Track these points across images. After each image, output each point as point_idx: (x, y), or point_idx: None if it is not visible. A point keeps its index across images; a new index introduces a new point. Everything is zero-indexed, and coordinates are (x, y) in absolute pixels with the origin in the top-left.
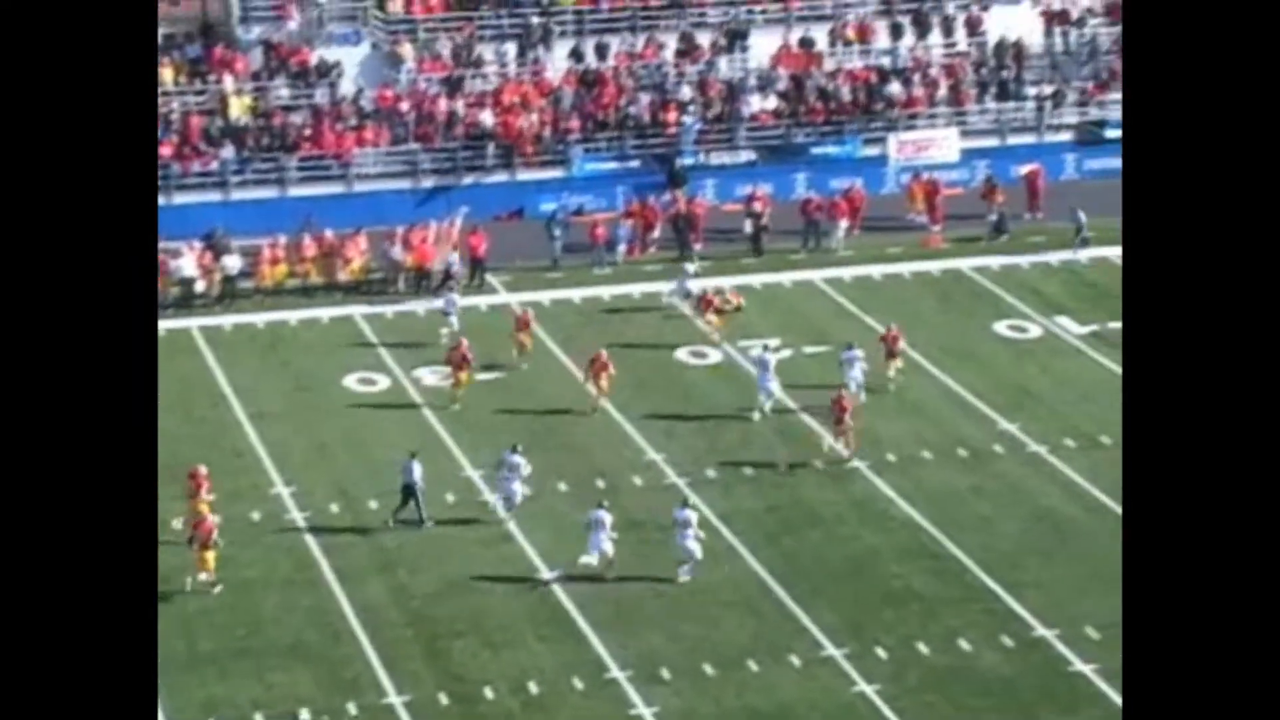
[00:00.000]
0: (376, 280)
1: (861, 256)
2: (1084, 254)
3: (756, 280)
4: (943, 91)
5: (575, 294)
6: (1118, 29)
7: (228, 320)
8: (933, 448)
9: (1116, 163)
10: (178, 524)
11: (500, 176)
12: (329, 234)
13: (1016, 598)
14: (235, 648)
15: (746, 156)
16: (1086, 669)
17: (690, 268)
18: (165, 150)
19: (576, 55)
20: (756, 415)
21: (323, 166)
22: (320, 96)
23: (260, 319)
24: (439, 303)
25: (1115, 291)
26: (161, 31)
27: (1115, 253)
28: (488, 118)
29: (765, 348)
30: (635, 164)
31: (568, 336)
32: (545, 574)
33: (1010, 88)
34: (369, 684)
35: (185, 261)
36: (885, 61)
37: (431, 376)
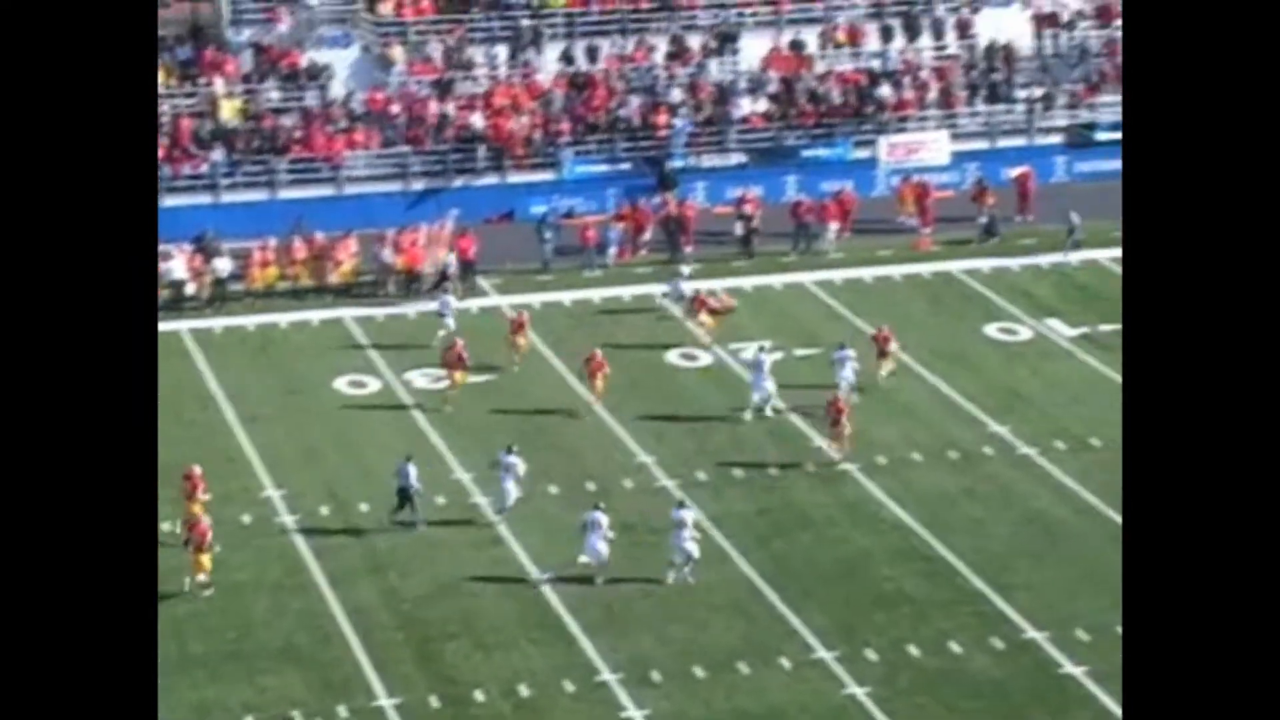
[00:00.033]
0: (367, 283)
1: (852, 259)
2: (1074, 256)
3: (747, 283)
4: (933, 94)
5: (566, 296)
6: (1108, 32)
7: (218, 323)
8: (923, 450)
9: (1107, 165)
10: (166, 526)
11: (491, 179)
12: (319, 236)
13: (1007, 600)
14: (226, 651)
15: (737, 159)
16: (1077, 671)
17: (685, 270)
18: None
19: (567, 58)
20: (749, 416)
21: (313, 169)
22: (310, 99)
23: (251, 321)
24: (434, 304)
25: (1106, 294)
26: None
27: (1106, 255)
28: (478, 120)
29: (761, 349)
30: (626, 167)
31: (558, 339)
32: (536, 576)
33: (1000, 90)
34: (360, 686)
35: (175, 264)
36: (876, 64)
37: (422, 379)
